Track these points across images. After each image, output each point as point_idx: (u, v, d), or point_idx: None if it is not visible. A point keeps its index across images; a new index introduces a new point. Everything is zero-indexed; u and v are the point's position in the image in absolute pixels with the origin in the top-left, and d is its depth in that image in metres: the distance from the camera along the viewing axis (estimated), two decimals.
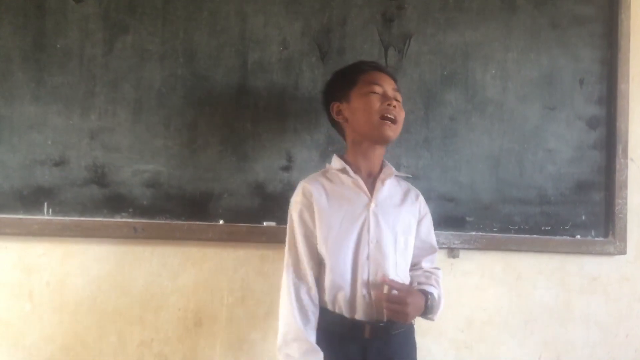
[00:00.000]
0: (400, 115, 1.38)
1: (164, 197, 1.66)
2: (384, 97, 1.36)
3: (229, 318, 1.68)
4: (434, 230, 1.70)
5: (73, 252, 1.65)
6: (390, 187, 1.43)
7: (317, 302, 1.34)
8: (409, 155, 1.74)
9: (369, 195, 1.38)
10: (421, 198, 1.50)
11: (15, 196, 1.62)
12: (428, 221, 1.50)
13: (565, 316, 1.81)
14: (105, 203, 1.64)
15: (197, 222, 1.65)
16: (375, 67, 1.44)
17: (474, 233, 1.75)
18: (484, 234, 1.75)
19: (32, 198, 1.62)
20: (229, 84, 1.69)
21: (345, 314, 1.32)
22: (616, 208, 1.79)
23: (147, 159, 1.65)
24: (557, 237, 1.79)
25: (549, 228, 1.78)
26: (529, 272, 1.80)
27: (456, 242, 1.74)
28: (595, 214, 1.81)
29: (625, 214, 1.80)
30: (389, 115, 1.34)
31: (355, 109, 1.38)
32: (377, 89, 1.37)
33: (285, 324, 1.32)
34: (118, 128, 1.65)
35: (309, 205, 1.37)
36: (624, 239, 1.80)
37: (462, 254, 1.76)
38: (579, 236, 1.80)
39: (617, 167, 1.80)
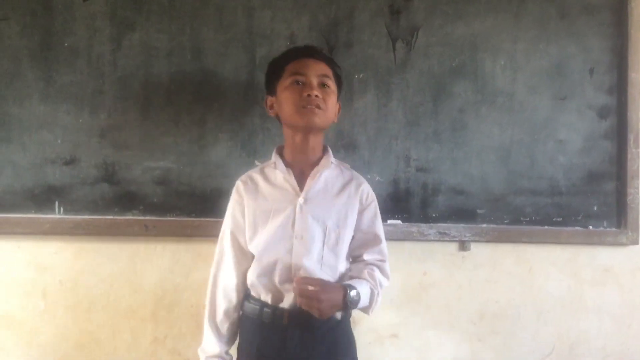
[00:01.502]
0: (328, 102, 1.34)
1: (174, 194, 1.66)
2: (306, 86, 1.32)
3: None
4: (447, 223, 1.72)
5: (85, 251, 1.66)
6: (328, 179, 1.39)
7: (237, 298, 1.39)
8: (418, 148, 1.73)
9: (297, 189, 1.35)
10: (364, 187, 1.42)
11: (26, 195, 1.63)
12: (372, 211, 1.42)
13: (578, 307, 1.80)
14: (116, 201, 1.64)
15: (208, 219, 1.65)
16: (302, 54, 1.38)
17: (485, 225, 1.74)
18: (495, 226, 1.75)
19: (43, 197, 1.63)
20: (237, 79, 1.68)
21: (268, 301, 1.33)
22: (628, 198, 1.78)
23: (157, 156, 1.66)
24: (569, 228, 1.77)
25: (561, 219, 1.77)
26: (541, 263, 1.79)
27: (467, 234, 1.73)
28: (607, 204, 1.79)
29: (638, 204, 1.78)
30: (309, 106, 1.31)
31: (280, 102, 1.36)
32: (299, 78, 1.33)
33: (204, 321, 1.41)
34: (127, 126, 1.65)
35: (240, 202, 1.39)
36: (636, 229, 1.79)
37: (474, 246, 1.75)
38: (591, 227, 1.78)
39: (629, 156, 1.78)
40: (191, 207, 1.66)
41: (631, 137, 1.79)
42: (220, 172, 1.67)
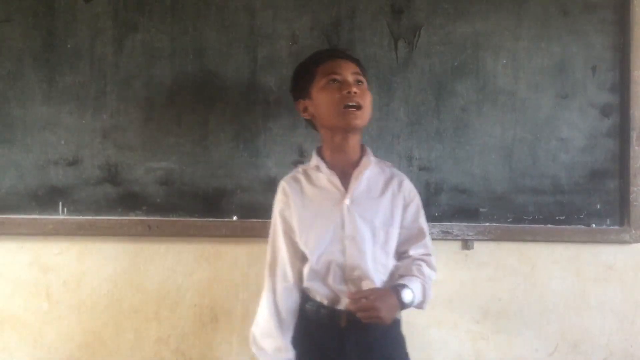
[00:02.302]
0: (365, 100, 1.34)
1: (177, 195, 1.66)
2: (344, 84, 1.32)
3: (245, 313, 1.68)
4: (449, 222, 1.72)
5: (88, 251, 1.67)
6: (370, 178, 1.39)
7: (295, 296, 1.36)
8: (420, 147, 1.73)
9: (343, 190, 1.35)
10: (406, 184, 1.43)
11: (30, 196, 1.63)
12: (415, 206, 1.42)
13: (581, 305, 1.80)
14: (119, 201, 1.65)
15: (211, 219, 1.66)
16: (331, 55, 1.39)
17: (487, 224, 1.74)
18: (498, 224, 1.74)
19: (46, 198, 1.63)
20: (239, 79, 1.69)
21: (325, 302, 1.33)
22: (631, 196, 1.77)
23: (160, 156, 1.66)
24: (572, 227, 1.77)
25: (564, 217, 1.77)
26: (544, 262, 1.79)
27: (470, 233, 1.73)
28: (610, 202, 1.79)
29: None
30: (350, 103, 1.30)
31: (318, 104, 1.35)
32: (336, 77, 1.33)
33: (261, 319, 1.35)
34: (130, 126, 1.66)
35: (287, 202, 1.38)
36: (639, 227, 1.78)
37: (476, 245, 1.75)
38: (594, 225, 1.78)
39: (632, 154, 1.78)
40: (194, 208, 1.66)
41: (634, 135, 1.78)
42: (223, 172, 1.67)
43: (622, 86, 1.79)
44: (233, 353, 1.69)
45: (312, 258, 1.33)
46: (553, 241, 1.78)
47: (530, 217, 1.76)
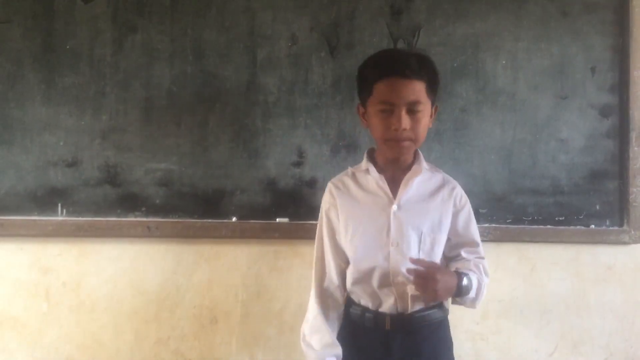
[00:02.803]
0: (417, 131, 1.28)
1: (176, 196, 1.66)
2: (395, 117, 1.26)
3: (244, 314, 1.68)
4: None
5: (88, 252, 1.67)
6: (420, 184, 1.37)
7: (340, 296, 1.37)
8: (420, 148, 1.72)
9: (391, 196, 1.34)
10: (457, 190, 1.41)
11: (29, 198, 1.63)
12: (466, 214, 1.40)
13: (581, 306, 1.80)
14: (118, 203, 1.65)
15: (210, 220, 1.66)
16: (392, 71, 1.26)
17: (487, 225, 1.74)
18: (497, 225, 1.74)
19: (46, 199, 1.63)
20: (238, 80, 1.69)
21: (369, 306, 1.34)
22: (630, 197, 1.77)
23: (159, 157, 1.66)
24: (572, 227, 1.77)
25: (563, 218, 1.77)
26: (544, 262, 1.79)
27: None
28: (610, 203, 1.79)
29: None
30: (397, 139, 1.28)
31: (370, 123, 1.34)
32: (387, 107, 1.27)
33: (311, 315, 1.36)
34: (129, 128, 1.66)
35: (333, 203, 1.38)
36: (638, 228, 1.78)
37: None
38: (593, 226, 1.78)
39: (631, 155, 1.77)
40: (193, 208, 1.67)
41: (633, 136, 1.78)
42: (222, 173, 1.67)
43: (622, 87, 1.79)
44: (232, 354, 1.69)
45: (356, 262, 1.33)
46: (553, 242, 1.78)
47: (530, 218, 1.76)
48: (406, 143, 1.29)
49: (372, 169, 1.36)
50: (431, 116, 1.35)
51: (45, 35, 1.64)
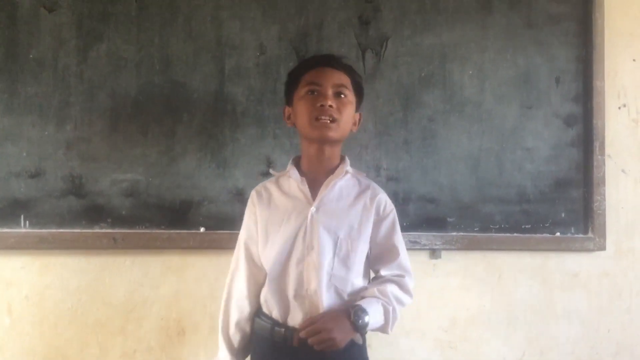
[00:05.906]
0: (342, 113, 1.30)
1: (143, 206, 1.64)
2: (320, 96, 1.29)
3: (212, 326, 1.66)
4: (417, 231, 1.73)
5: (52, 265, 1.63)
6: (343, 188, 1.35)
7: (245, 308, 1.35)
8: (388, 157, 1.74)
9: (310, 198, 1.32)
10: (381, 197, 1.38)
11: None
12: (388, 223, 1.37)
13: (548, 313, 1.83)
14: (83, 214, 1.62)
15: (178, 231, 1.64)
16: (319, 62, 1.35)
17: (455, 233, 1.76)
18: (465, 234, 1.76)
19: (8, 211, 1.60)
20: (206, 90, 1.68)
21: (279, 319, 1.29)
22: (594, 204, 1.81)
23: (125, 168, 1.64)
24: (538, 235, 1.80)
25: (529, 226, 1.80)
26: (511, 270, 1.82)
27: (438, 243, 1.74)
28: (575, 211, 1.82)
29: (604, 210, 1.82)
30: (322, 117, 1.28)
31: (297, 112, 1.34)
32: (314, 87, 1.30)
33: (219, 329, 1.38)
34: (94, 138, 1.63)
35: (254, 211, 1.38)
36: (603, 235, 1.82)
37: (444, 254, 1.76)
38: (558, 233, 1.81)
39: (595, 164, 1.81)
40: (160, 219, 1.65)
41: (597, 145, 1.82)
42: (190, 184, 1.66)
43: (585, 97, 1.84)
44: None
45: (268, 266, 1.31)
46: (519, 250, 1.81)
47: (497, 226, 1.78)
48: (332, 124, 1.29)
49: (294, 172, 1.35)
50: (355, 124, 1.39)
51: (8, 44, 1.61)
